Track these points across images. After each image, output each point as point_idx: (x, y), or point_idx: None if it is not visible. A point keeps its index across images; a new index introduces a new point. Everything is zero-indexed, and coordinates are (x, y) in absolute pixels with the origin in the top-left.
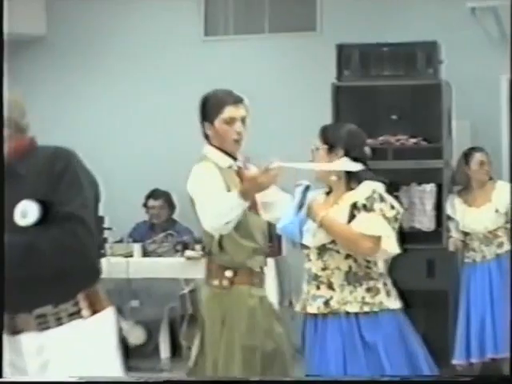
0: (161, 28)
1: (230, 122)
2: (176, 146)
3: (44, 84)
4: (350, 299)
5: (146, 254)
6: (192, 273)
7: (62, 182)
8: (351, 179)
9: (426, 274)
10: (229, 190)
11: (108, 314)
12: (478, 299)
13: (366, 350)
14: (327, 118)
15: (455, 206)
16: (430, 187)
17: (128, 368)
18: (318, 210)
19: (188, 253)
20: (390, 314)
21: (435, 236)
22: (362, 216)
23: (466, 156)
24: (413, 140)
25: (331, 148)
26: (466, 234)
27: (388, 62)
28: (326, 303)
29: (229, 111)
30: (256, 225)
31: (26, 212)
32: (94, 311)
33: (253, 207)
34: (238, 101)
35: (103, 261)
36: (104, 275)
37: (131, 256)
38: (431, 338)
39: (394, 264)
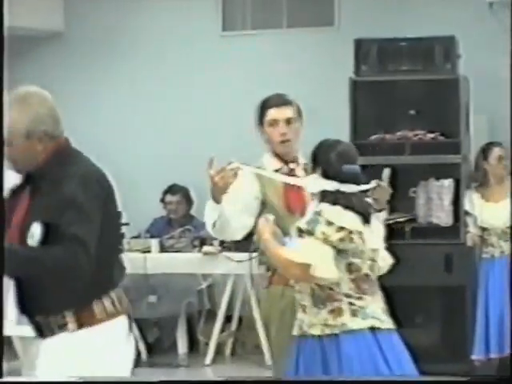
0: (178, 23)
1: (274, 123)
2: (194, 142)
3: (60, 80)
4: (315, 322)
5: (163, 249)
6: (209, 268)
7: (69, 206)
8: (323, 200)
9: (444, 268)
10: (264, 194)
11: (100, 329)
12: (497, 294)
13: (326, 371)
14: (345, 114)
15: (473, 201)
16: (448, 182)
17: (145, 363)
18: (261, 232)
19: (205, 248)
20: (355, 335)
21: (453, 231)
22: (297, 241)
23: (485, 151)
24: (431, 135)
25: (314, 166)
26: (484, 229)
27: (406, 56)
28: (300, 326)
29: (271, 113)
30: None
31: (33, 233)
32: (81, 325)
33: (296, 209)
34: (281, 103)
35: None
36: None
37: (149, 251)
38: (449, 334)
39: (411, 259)
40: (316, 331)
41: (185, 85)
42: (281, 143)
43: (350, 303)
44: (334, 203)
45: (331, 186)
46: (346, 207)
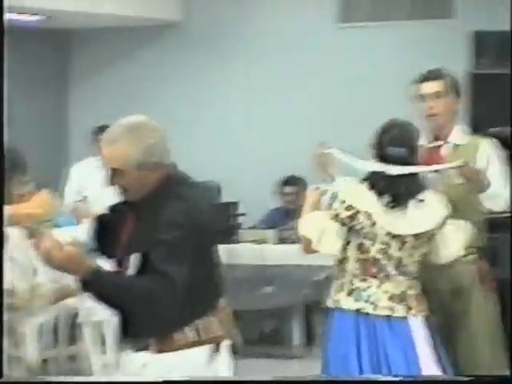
0: (296, 16)
1: (422, 98)
2: (311, 132)
3: (175, 69)
4: (329, 294)
5: (280, 240)
6: (325, 259)
7: (162, 243)
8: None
9: None
10: None
11: (178, 356)
12: None
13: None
14: (461, 107)
15: None
16: None
17: (260, 354)
18: (304, 199)
19: None
20: (343, 314)
21: None
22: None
23: None
24: None
25: (372, 147)
26: None
27: None
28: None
29: (419, 89)
30: None
31: (131, 263)
32: (160, 350)
33: None
34: (430, 77)
35: (237, 247)
36: (238, 261)
37: (265, 242)
38: None
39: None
40: (325, 303)
41: (302, 77)
42: (428, 117)
43: (351, 282)
44: (362, 181)
45: (377, 167)
46: (372, 187)
